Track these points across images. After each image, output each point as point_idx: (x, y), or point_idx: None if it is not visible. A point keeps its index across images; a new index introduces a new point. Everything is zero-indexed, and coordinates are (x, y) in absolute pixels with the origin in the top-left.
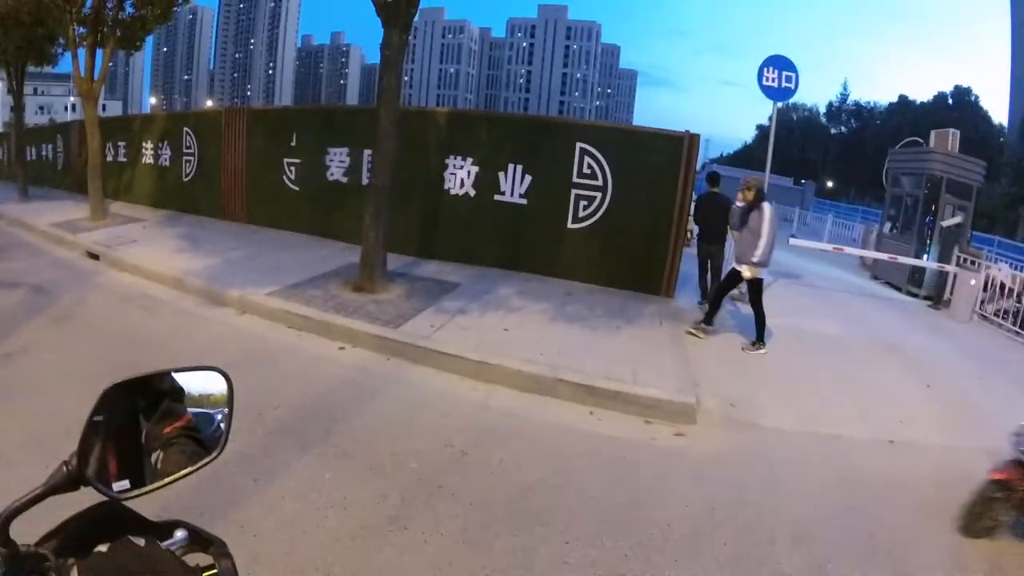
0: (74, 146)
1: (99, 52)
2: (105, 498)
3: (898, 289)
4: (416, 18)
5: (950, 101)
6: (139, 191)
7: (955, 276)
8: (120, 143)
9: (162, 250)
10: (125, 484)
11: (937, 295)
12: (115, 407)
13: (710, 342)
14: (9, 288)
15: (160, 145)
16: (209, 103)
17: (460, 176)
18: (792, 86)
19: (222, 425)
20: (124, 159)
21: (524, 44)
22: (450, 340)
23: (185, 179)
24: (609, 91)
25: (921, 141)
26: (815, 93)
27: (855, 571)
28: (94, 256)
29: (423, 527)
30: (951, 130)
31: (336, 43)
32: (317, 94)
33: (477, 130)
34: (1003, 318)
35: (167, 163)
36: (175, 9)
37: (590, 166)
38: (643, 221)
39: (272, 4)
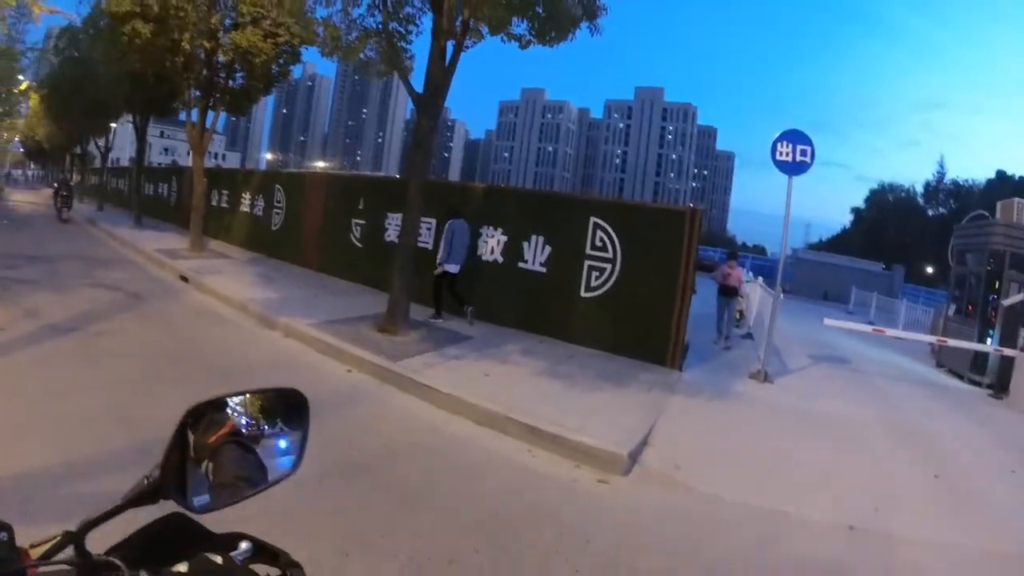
0: (186, 188)
1: (210, 113)
2: (178, 509)
3: (960, 377)
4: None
5: None
6: (235, 234)
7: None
8: (224, 191)
9: (239, 282)
10: (205, 499)
11: (1001, 383)
12: (196, 425)
13: (697, 411)
14: (112, 289)
15: (256, 197)
16: (320, 164)
17: (491, 244)
18: (808, 160)
19: (296, 444)
20: (226, 205)
21: (621, 125)
22: (435, 376)
23: (273, 228)
24: (706, 172)
25: (987, 215)
26: (912, 172)
27: None
28: (184, 279)
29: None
30: (1017, 200)
31: (442, 117)
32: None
33: (506, 203)
34: None
35: (260, 213)
36: (291, 80)
37: (602, 239)
38: (650, 292)
39: (384, 79)
